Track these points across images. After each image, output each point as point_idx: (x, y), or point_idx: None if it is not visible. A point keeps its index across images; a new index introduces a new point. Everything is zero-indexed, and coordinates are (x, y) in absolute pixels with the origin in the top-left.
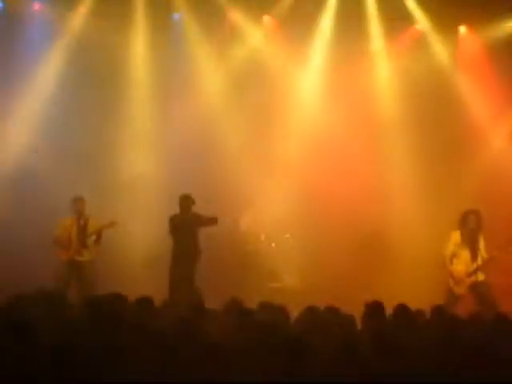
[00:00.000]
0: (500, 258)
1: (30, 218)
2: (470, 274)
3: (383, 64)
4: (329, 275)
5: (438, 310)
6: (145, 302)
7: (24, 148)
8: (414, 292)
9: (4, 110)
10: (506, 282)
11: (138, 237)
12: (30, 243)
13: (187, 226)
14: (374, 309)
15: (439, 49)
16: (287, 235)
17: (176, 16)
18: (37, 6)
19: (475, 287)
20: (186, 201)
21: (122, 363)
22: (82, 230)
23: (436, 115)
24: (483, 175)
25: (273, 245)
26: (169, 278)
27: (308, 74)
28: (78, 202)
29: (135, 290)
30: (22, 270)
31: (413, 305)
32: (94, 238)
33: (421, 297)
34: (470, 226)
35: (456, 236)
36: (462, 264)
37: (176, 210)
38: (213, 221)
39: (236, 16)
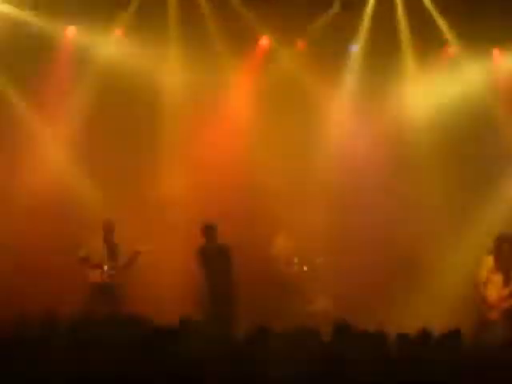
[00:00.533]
0: None
1: (62, 243)
2: (502, 300)
3: (416, 88)
4: (363, 298)
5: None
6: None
7: (59, 172)
8: (446, 316)
9: (38, 135)
10: None
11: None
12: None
13: (220, 256)
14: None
15: (473, 72)
16: (320, 258)
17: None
18: (71, 30)
19: (508, 312)
20: (211, 230)
21: None
22: (113, 253)
23: (469, 139)
24: None
25: (305, 268)
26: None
27: (341, 99)
28: (107, 224)
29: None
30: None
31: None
32: (125, 260)
33: (452, 321)
34: (504, 251)
35: (489, 261)
36: (494, 289)
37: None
38: None
39: (268, 40)
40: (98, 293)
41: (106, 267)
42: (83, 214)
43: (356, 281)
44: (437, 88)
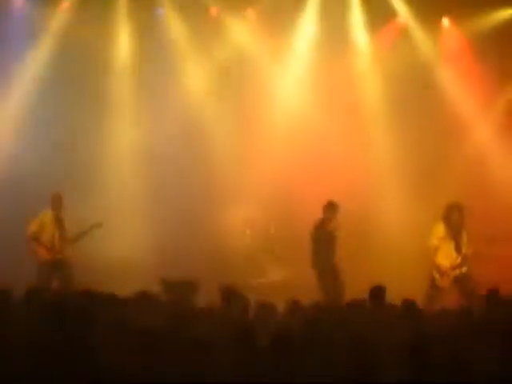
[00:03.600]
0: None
1: (12, 215)
2: (454, 268)
3: (366, 57)
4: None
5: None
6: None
7: (4, 148)
8: (398, 283)
9: None
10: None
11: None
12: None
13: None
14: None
15: (422, 41)
16: (272, 230)
17: (159, 10)
18: (19, 2)
19: (459, 280)
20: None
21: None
22: (62, 227)
23: (420, 108)
24: (468, 167)
25: (257, 239)
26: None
27: (291, 68)
28: (56, 199)
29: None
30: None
31: (396, 296)
32: (75, 234)
33: (404, 288)
34: (454, 219)
35: (440, 229)
36: (446, 257)
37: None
38: None
39: (219, 10)
40: (48, 269)
41: (56, 243)
42: (32, 186)
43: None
44: (387, 57)
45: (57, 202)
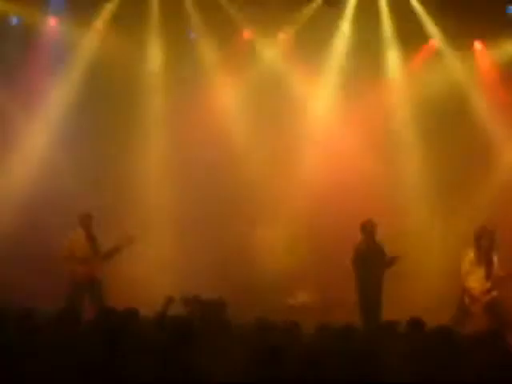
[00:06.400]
0: None
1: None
2: (485, 292)
3: (399, 81)
4: (346, 290)
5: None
6: None
7: (38, 165)
8: (427, 306)
9: (19, 126)
10: None
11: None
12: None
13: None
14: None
15: (455, 65)
16: (303, 250)
17: (191, 34)
18: (53, 22)
19: (490, 305)
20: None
21: None
22: (95, 245)
23: (451, 131)
24: (497, 190)
25: (289, 259)
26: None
27: (323, 93)
28: (85, 218)
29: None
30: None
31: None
32: (107, 252)
33: (432, 311)
34: (484, 243)
35: (470, 253)
36: (477, 282)
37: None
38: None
39: (251, 33)
40: (81, 288)
41: (91, 261)
42: (65, 205)
43: (339, 272)
44: (420, 81)
45: (86, 221)
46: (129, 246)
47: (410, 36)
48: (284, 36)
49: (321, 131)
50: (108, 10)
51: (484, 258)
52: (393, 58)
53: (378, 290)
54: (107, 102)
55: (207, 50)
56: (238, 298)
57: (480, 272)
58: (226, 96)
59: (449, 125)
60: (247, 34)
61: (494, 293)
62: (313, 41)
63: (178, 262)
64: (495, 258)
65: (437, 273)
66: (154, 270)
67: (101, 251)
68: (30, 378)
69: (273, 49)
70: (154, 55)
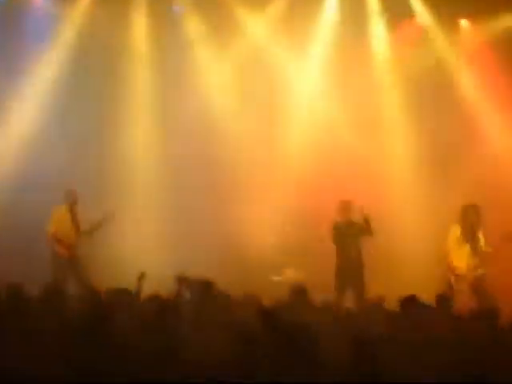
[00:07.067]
0: (500, 252)
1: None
2: (471, 269)
3: (385, 59)
4: (330, 269)
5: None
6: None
7: (23, 141)
8: (414, 286)
9: (3, 103)
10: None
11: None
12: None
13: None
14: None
15: (441, 43)
16: (288, 228)
17: (176, 8)
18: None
19: (475, 283)
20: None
21: None
22: (76, 221)
23: (438, 109)
24: (485, 168)
25: (273, 237)
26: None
27: (309, 69)
28: (69, 194)
29: None
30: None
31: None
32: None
33: (420, 291)
34: (470, 220)
35: (456, 230)
36: (462, 259)
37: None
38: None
39: (239, 9)
40: (65, 265)
41: (72, 238)
42: (49, 182)
43: (324, 250)
44: (406, 58)
45: (70, 197)
46: (108, 223)
47: (396, 13)
48: (272, 10)
49: (306, 108)
50: None
51: (470, 234)
52: (379, 33)
53: (357, 265)
54: (92, 79)
55: (193, 23)
56: (225, 275)
57: (466, 248)
58: (212, 73)
59: (435, 101)
60: (235, 7)
61: (481, 270)
62: (300, 15)
63: (165, 239)
64: (481, 235)
65: (425, 253)
66: (142, 247)
67: (82, 228)
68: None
69: (260, 23)
70: (139, 29)
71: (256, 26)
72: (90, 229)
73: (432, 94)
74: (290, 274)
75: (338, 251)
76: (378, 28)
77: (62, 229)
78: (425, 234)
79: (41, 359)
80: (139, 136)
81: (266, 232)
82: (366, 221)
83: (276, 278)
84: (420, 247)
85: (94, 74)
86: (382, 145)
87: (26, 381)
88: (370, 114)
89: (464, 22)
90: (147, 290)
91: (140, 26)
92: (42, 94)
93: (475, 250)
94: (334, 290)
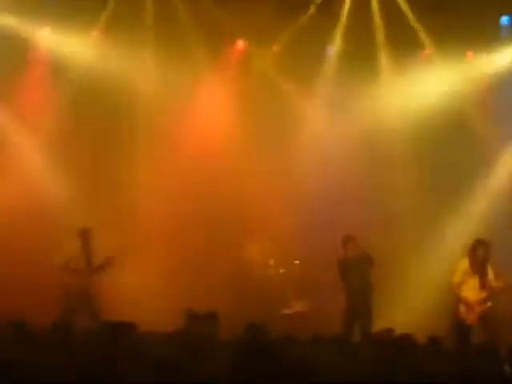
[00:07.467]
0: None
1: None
2: (480, 302)
3: (391, 90)
4: (339, 301)
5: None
6: None
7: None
8: (421, 318)
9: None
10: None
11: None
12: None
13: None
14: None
15: (447, 74)
16: (296, 261)
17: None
18: (46, 31)
19: (483, 315)
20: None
21: None
22: (90, 259)
23: (443, 140)
24: (492, 201)
25: (281, 271)
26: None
27: (316, 101)
28: (84, 233)
29: None
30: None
31: (418, 331)
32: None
33: (425, 323)
34: (479, 254)
35: (464, 264)
36: (470, 292)
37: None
38: None
39: (244, 43)
40: (76, 298)
41: (86, 271)
42: (59, 221)
43: (332, 283)
44: (412, 90)
45: (84, 235)
46: (110, 267)
47: (402, 45)
48: (277, 45)
49: (311, 142)
50: (101, 19)
51: (479, 268)
52: (385, 65)
53: (365, 299)
54: (101, 117)
55: (201, 60)
56: (233, 310)
57: (474, 282)
58: (220, 105)
59: (441, 133)
60: (241, 43)
61: (489, 303)
62: (305, 49)
63: (174, 273)
64: (490, 270)
65: (431, 285)
66: (151, 281)
67: (93, 265)
68: None
69: (266, 58)
70: (149, 66)
71: (262, 61)
72: (100, 266)
73: (438, 126)
74: (299, 307)
75: (345, 286)
76: (384, 60)
77: (73, 264)
78: (432, 267)
79: None
80: (149, 172)
81: (275, 263)
82: (365, 254)
83: (286, 311)
84: (427, 281)
85: (105, 111)
86: (389, 178)
87: None
88: (375, 147)
89: (470, 55)
90: (155, 323)
91: (149, 61)
92: (49, 127)
93: (484, 283)
94: (342, 324)
